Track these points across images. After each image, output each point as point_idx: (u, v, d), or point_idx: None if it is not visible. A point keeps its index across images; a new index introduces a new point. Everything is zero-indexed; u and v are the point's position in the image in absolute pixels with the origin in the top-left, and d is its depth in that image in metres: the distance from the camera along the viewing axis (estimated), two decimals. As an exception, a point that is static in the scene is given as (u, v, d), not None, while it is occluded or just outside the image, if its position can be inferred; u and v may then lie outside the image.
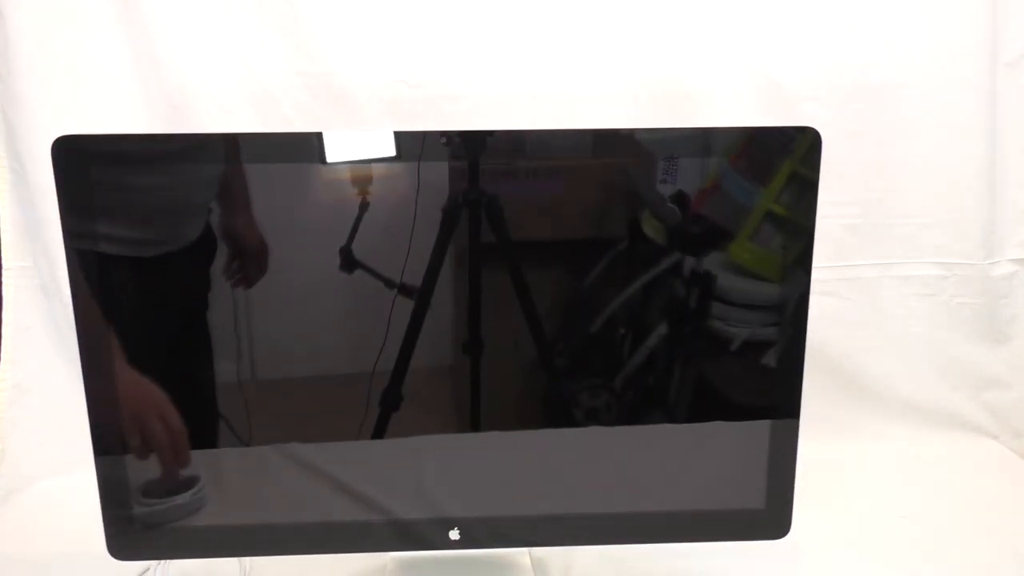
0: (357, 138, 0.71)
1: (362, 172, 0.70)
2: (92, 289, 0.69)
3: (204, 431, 0.74)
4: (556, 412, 0.79)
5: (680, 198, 0.73)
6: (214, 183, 0.70)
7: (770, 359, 0.75)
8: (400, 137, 0.70)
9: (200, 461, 0.74)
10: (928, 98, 1.08)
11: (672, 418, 0.79)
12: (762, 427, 0.76)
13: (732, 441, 0.78)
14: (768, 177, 0.72)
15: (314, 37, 1.03)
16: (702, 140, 0.74)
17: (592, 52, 1.05)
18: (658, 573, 0.88)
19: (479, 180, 0.70)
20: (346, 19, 1.03)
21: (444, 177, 0.71)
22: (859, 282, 1.14)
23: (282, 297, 0.73)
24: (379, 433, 0.76)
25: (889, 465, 1.11)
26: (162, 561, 0.85)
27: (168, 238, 0.71)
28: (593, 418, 0.78)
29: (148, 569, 0.86)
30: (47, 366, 1.08)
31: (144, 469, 0.73)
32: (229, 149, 0.71)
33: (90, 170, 0.67)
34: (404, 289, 0.72)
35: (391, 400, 0.75)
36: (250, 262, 0.71)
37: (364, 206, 0.70)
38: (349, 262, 0.71)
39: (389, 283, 0.72)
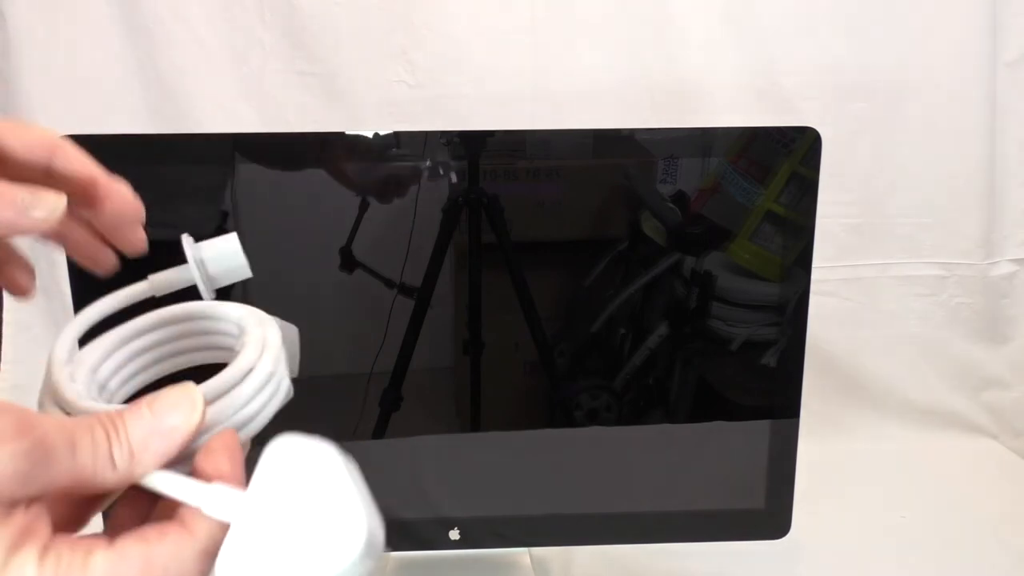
0: (357, 138, 0.71)
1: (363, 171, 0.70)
2: (93, 289, 0.69)
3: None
4: (556, 412, 0.79)
5: (680, 198, 0.73)
6: (214, 183, 0.70)
7: (770, 359, 0.75)
8: (400, 137, 0.70)
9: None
10: (928, 98, 1.08)
11: (672, 418, 0.79)
12: (762, 427, 0.76)
13: (732, 441, 0.78)
14: (768, 177, 0.72)
15: (314, 37, 1.03)
16: (702, 140, 0.74)
17: (592, 52, 1.05)
18: (658, 573, 0.88)
19: (479, 180, 0.70)
20: (346, 19, 1.02)
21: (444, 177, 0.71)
22: (859, 282, 1.14)
23: (282, 297, 0.73)
24: (379, 433, 0.76)
25: (889, 465, 1.11)
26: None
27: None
28: (593, 418, 0.78)
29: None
30: (47, 366, 1.08)
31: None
32: (229, 149, 0.71)
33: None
34: (404, 289, 0.72)
35: (391, 400, 0.75)
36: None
37: (364, 206, 0.70)
38: (349, 262, 0.71)
39: (389, 283, 0.72)
